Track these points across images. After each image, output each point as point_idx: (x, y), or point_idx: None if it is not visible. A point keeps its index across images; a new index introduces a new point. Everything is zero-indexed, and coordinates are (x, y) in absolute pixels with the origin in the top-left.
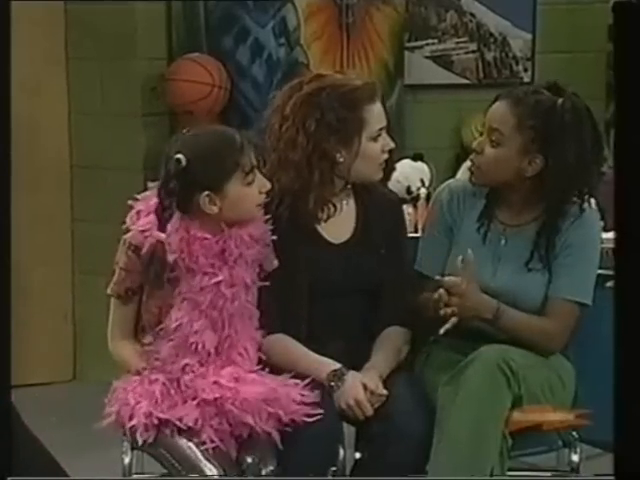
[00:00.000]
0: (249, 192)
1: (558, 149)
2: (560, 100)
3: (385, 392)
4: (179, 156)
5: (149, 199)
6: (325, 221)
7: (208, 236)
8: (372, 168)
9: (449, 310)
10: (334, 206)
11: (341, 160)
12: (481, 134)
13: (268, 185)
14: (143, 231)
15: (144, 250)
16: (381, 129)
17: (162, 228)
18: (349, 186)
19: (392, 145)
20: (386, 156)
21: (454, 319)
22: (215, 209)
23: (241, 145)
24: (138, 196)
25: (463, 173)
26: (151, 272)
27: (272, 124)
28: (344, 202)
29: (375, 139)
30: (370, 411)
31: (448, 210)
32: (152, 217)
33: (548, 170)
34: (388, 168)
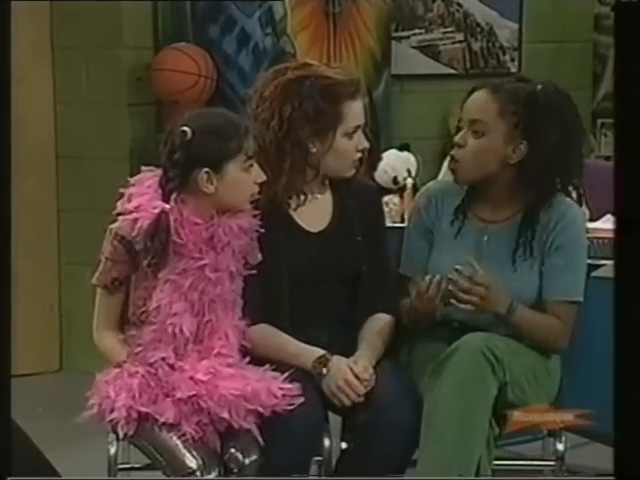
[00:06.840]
0: (246, 178)
1: (541, 133)
2: (539, 85)
3: (372, 375)
4: (185, 128)
5: (142, 182)
6: (296, 209)
7: (199, 221)
8: (344, 164)
9: (474, 299)
10: (304, 194)
11: (314, 151)
12: (459, 129)
13: (263, 176)
14: (136, 208)
15: (147, 223)
16: (357, 127)
17: (166, 199)
18: (325, 178)
19: (366, 145)
20: (359, 155)
21: (470, 307)
22: (212, 188)
23: (246, 129)
24: (131, 180)
25: (445, 174)
26: (156, 242)
27: (250, 104)
28: (318, 191)
29: (350, 136)
30: (362, 389)
31: (426, 213)
32: (146, 198)
33: (532, 155)
34: (372, 160)
